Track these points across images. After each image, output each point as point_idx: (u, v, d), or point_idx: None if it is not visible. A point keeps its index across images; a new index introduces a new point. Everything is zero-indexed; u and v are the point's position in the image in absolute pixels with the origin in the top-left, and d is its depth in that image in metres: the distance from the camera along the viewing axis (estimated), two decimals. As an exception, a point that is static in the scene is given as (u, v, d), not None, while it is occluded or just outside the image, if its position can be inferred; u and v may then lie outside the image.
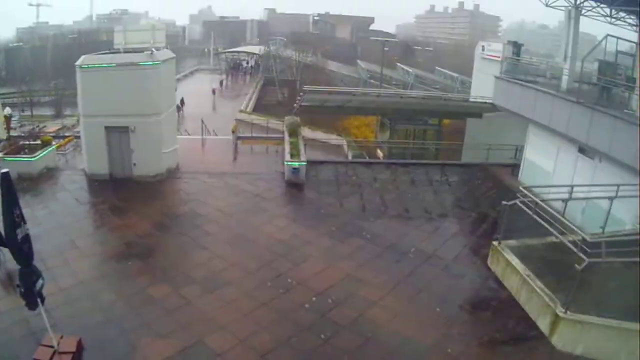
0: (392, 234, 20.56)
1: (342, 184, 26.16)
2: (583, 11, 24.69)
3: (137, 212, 22.24)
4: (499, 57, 35.53)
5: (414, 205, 23.74)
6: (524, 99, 25.51)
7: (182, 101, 55.10)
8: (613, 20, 25.21)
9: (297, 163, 25.77)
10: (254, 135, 35.27)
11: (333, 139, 44.67)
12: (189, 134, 42.19)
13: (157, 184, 25.69)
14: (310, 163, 27.14)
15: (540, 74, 29.02)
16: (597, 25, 26.29)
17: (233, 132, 33.42)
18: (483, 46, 40.27)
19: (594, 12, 25.23)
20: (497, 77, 29.12)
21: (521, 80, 26.58)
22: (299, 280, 17.13)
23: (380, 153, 41.30)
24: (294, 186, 25.46)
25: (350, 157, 36.87)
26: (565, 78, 24.31)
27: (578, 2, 24.24)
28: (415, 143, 39.91)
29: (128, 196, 24.09)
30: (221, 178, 26.37)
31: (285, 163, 26.18)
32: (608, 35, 21.89)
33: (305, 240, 19.81)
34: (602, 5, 24.72)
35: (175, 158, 27.93)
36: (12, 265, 14.33)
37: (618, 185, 16.84)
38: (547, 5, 26.96)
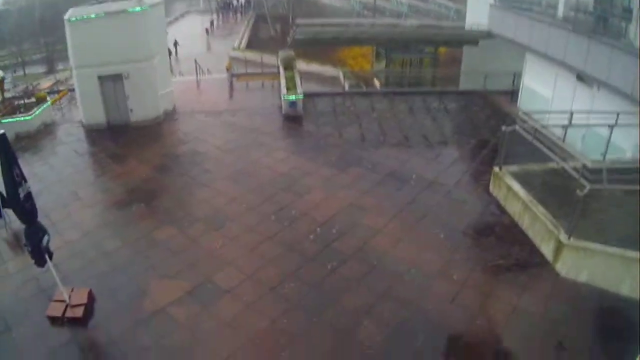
0: (392, 162, 20.51)
1: (340, 114, 25.97)
2: None
3: (137, 157, 22.24)
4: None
5: (413, 133, 23.55)
6: (519, 26, 24.99)
7: (175, 43, 54.16)
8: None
9: (293, 96, 25.62)
10: (248, 71, 34.86)
11: (329, 70, 44.15)
12: (183, 75, 41.85)
13: (155, 127, 25.61)
14: (307, 95, 26.93)
15: (535, 2, 28.38)
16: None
17: (227, 70, 33.19)
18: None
19: None
20: (491, 5, 28.53)
21: (515, 8, 26.01)
22: (302, 211, 17.22)
23: (377, 82, 40.90)
24: (292, 119, 25.37)
25: (347, 88, 36.45)
26: (561, 6, 23.78)
27: None
28: (412, 71, 39.46)
29: (127, 142, 24.06)
30: (218, 116, 26.30)
31: (282, 97, 26.04)
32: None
33: (305, 172, 19.82)
34: None
35: (171, 100, 27.81)
36: (18, 225, 14.48)
37: (618, 113, 16.61)
38: None
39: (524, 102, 25.47)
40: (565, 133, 16.55)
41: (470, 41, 37.39)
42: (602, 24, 20.82)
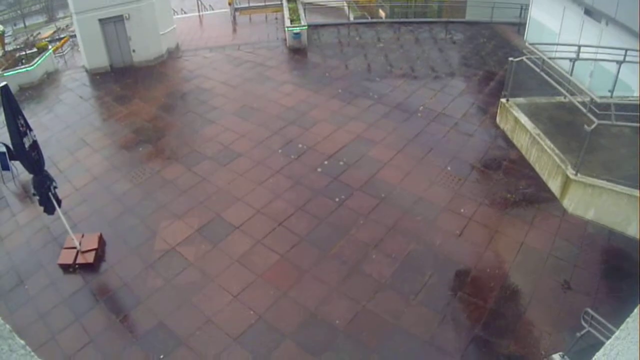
0: (399, 93, 20.29)
1: (345, 46, 25.61)
2: None
3: (142, 98, 22.16)
4: None
5: (419, 64, 23.23)
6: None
7: None
8: None
9: (297, 28, 25.24)
10: (251, 4, 34.32)
11: (333, 1, 43.37)
12: (185, 13, 41.33)
13: (159, 67, 25.40)
14: (312, 27, 26.67)
15: None
16: None
17: (230, 4, 32.58)
18: None
19: None
20: None
21: None
22: (309, 145, 17.18)
23: (382, 13, 40.19)
24: (297, 52, 25.08)
25: (352, 19, 35.86)
26: None
27: None
28: (418, 1, 38.66)
29: (131, 84, 23.94)
30: (222, 51, 26.00)
31: (286, 29, 25.69)
32: None
33: (312, 105, 19.69)
34: None
35: (173, 38, 27.53)
36: (26, 176, 14.70)
37: (626, 50, 16.20)
38: None
39: (531, 35, 24.93)
40: (573, 66, 16.23)
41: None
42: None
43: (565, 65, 16.40)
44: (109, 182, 16.46)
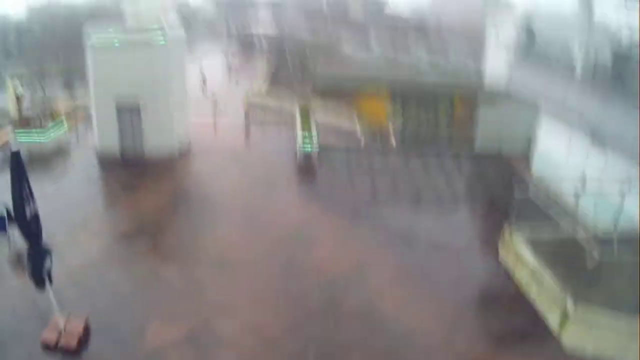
0: (403, 220, 20.46)
1: (354, 168, 25.91)
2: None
3: (149, 190, 22.27)
4: (511, 39, 35.10)
5: (425, 192, 23.44)
6: (536, 86, 25.27)
7: (203, 79, 52.53)
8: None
9: (309, 146, 25.70)
10: (266, 118, 34.98)
11: (345, 123, 44.26)
12: (201, 114, 42.08)
13: (169, 163, 25.64)
14: (323, 147, 26.94)
15: (553, 62, 28.69)
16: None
17: (245, 112, 33.29)
18: (496, 27, 39.77)
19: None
20: (509, 65, 28.87)
21: (534, 68, 26.32)
22: (309, 264, 17.04)
23: (393, 140, 41.00)
24: (307, 169, 25.43)
25: (362, 142, 36.52)
26: (578, 66, 24.01)
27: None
28: (428, 130, 39.57)
29: (139, 174, 24.11)
30: (233, 158, 26.33)
31: (298, 145, 26.09)
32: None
33: (316, 223, 19.72)
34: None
35: (187, 137, 27.87)
36: (22, 243, 14.34)
37: (630, 180, 16.56)
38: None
39: (538, 166, 25.43)
40: (577, 199, 16.48)
41: (488, 99, 37.61)
42: (619, 85, 20.94)
43: (571, 195, 16.65)
44: (103, 269, 16.29)
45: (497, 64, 36.64)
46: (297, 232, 18.97)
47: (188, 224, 19.47)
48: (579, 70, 24.34)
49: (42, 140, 26.25)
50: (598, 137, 20.32)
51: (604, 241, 12.34)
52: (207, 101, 43.09)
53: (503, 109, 34.79)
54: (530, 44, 33.22)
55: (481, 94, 37.42)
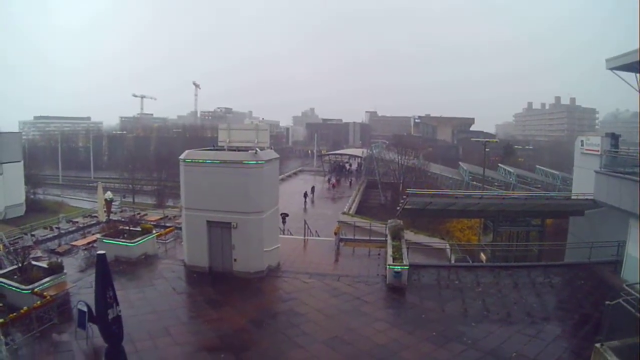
0: (493, 338, 19.81)
1: (444, 287, 25.61)
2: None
3: (234, 307, 22.57)
4: (597, 150, 35.12)
5: (516, 308, 22.90)
6: (624, 192, 25.10)
7: (284, 216, 52.63)
8: None
9: (399, 267, 25.49)
10: (356, 237, 35.51)
11: (436, 242, 44.41)
12: (291, 234, 43.17)
13: (257, 281, 26.03)
14: (413, 267, 26.92)
15: (638, 164, 28.58)
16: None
17: (335, 233, 33.76)
18: (582, 141, 39.61)
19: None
20: (597, 172, 28.90)
21: (620, 173, 26.29)
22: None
23: (483, 256, 40.75)
24: (395, 290, 25.11)
25: (453, 261, 36.39)
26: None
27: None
28: (519, 245, 39.22)
29: (226, 290, 24.57)
30: (322, 279, 26.46)
31: (388, 266, 25.98)
32: None
33: (404, 345, 19.27)
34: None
35: (276, 256, 28.34)
36: (99, 341, 15.17)
37: None
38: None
39: (628, 272, 24.87)
40: None
41: (576, 211, 37.23)
42: None
43: None
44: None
45: (584, 172, 36.56)
46: (385, 354, 18.61)
47: (272, 344, 19.45)
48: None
49: (130, 246, 27.47)
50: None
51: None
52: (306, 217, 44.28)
53: (592, 217, 34.51)
54: (615, 148, 33.22)
55: (570, 204, 37.28)
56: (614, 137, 34.61)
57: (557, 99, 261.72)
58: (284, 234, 43.87)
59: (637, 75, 28.99)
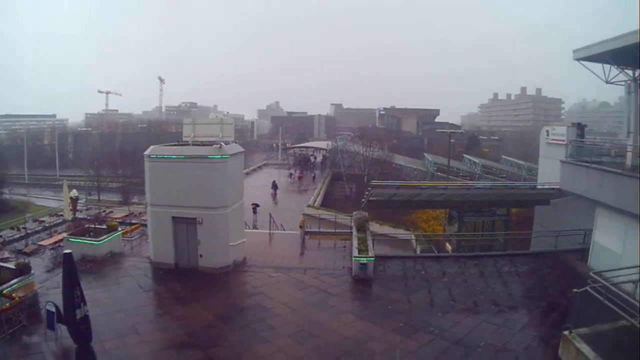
0: (460, 328, 19.83)
1: (410, 278, 25.65)
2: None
3: (201, 303, 22.39)
4: (563, 140, 35.35)
5: (482, 298, 23.02)
6: (590, 181, 25.27)
7: (255, 206, 52.87)
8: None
9: (365, 258, 25.51)
10: (321, 230, 35.40)
11: (401, 233, 44.45)
12: (257, 228, 42.90)
13: (223, 276, 25.87)
14: (379, 258, 26.96)
15: (604, 154, 28.78)
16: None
17: (301, 226, 33.84)
18: (547, 131, 39.94)
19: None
20: (562, 162, 29.02)
21: (586, 163, 26.41)
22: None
23: (449, 246, 40.91)
24: (362, 282, 25.12)
25: (418, 252, 36.44)
26: (629, 155, 24.02)
27: (637, 74, 24.21)
28: (484, 234, 39.39)
29: (192, 286, 24.34)
30: (288, 272, 26.38)
31: (353, 258, 26.04)
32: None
33: (371, 337, 19.21)
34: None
35: (242, 251, 28.22)
36: (68, 342, 14.93)
37: None
38: (607, 82, 27.17)
39: (595, 260, 25.22)
40: (637, 287, 16.20)
41: (542, 200, 37.50)
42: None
43: (629, 286, 16.33)
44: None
45: (550, 162, 36.82)
46: (351, 346, 18.54)
47: (240, 339, 19.24)
48: (629, 161, 24.34)
49: (95, 244, 27.20)
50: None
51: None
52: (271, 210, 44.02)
53: (558, 207, 34.74)
54: (581, 138, 33.49)
55: (535, 193, 37.52)
56: (580, 127, 34.98)
57: (523, 89, 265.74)
58: (256, 224, 43.61)
59: (603, 65, 29.16)
